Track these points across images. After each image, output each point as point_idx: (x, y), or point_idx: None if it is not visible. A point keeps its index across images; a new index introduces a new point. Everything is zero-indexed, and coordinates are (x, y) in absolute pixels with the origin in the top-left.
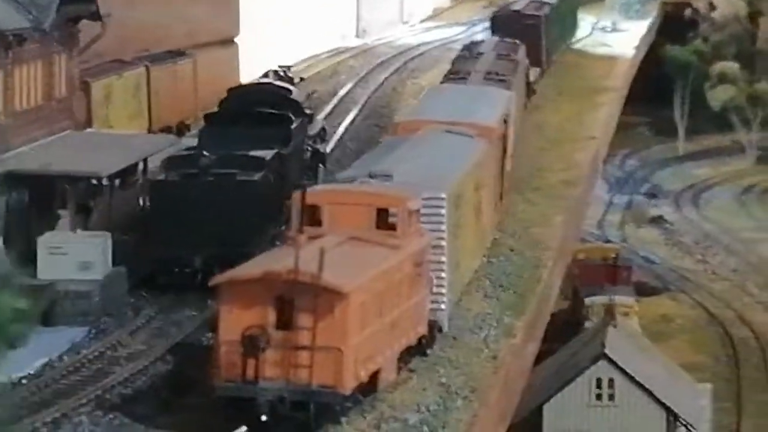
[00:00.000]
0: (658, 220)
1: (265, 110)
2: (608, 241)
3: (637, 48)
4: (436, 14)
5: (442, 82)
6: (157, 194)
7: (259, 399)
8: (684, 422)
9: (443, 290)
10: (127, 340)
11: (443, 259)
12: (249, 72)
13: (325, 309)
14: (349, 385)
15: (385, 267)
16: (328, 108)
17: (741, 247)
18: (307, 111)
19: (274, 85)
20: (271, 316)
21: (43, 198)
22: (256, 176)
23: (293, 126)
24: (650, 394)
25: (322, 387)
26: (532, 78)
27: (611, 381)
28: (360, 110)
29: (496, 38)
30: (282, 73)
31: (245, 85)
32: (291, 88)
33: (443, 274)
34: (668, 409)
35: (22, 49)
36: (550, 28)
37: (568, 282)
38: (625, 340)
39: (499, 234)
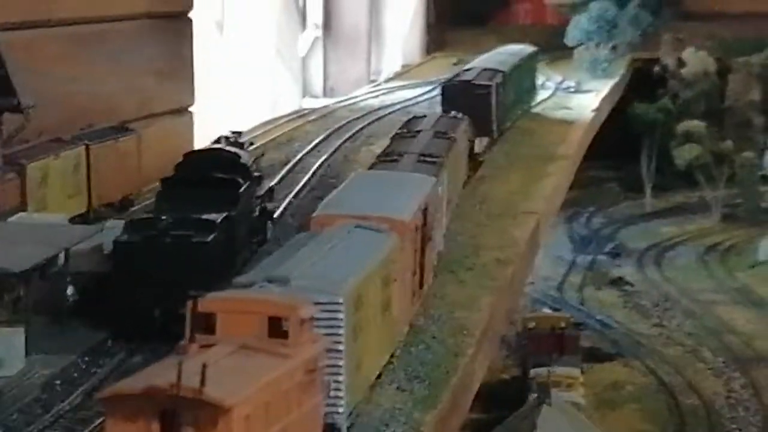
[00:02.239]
0: (618, 282)
1: (216, 174)
2: (557, 309)
3: (598, 110)
4: (404, 71)
5: (374, 164)
6: (119, 254)
7: None
8: None
9: (341, 393)
10: None
11: (340, 363)
12: (207, 139)
13: (208, 423)
14: None
15: (273, 377)
16: (276, 178)
17: (699, 309)
18: (256, 173)
19: (225, 150)
20: (156, 431)
21: None
22: (209, 238)
23: (241, 189)
24: None
25: None
26: (478, 149)
27: None
28: (308, 181)
29: (438, 113)
30: (233, 139)
31: (199, 150)
32: (240, 152)
33: (341, 378)
34: None
35: None
36: (502, 97)
37: (520, 351)
38: (559, 418)
39: (422, 320)
